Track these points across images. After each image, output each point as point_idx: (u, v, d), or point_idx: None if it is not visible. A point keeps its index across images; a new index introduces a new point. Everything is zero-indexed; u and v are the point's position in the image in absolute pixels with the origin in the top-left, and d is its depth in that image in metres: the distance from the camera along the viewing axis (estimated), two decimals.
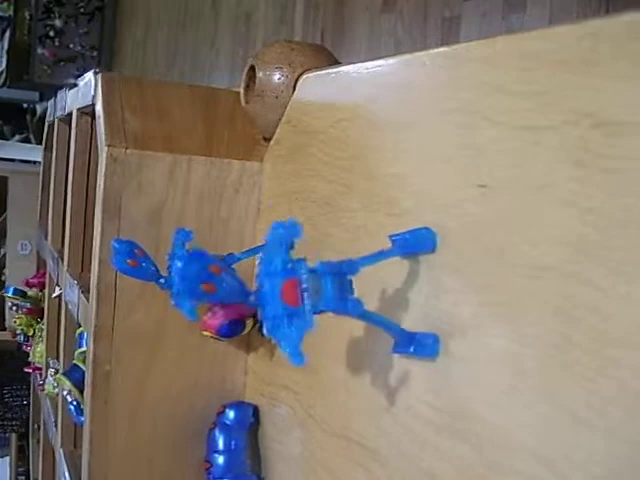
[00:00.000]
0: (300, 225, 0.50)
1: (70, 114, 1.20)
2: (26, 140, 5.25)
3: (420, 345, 0.58)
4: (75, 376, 1.04)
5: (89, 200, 1.18)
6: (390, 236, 0.59)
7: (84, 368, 0.99)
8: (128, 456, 0.93)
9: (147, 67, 4.32)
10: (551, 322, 0.47)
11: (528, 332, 0.49)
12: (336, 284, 0.52)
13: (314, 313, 0.50)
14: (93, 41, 5.10)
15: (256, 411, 0.92)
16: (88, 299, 0.94)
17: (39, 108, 5.42)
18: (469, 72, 0.57)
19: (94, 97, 0.95)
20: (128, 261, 0.68)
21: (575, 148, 0.46)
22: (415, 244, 0.59)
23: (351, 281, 0.54)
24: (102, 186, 0.86)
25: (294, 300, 0.50)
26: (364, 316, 0.56)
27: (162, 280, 0.69)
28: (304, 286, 0.50)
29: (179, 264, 0.50)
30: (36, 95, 5.54)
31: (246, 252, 0.82)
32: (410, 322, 0.61)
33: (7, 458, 3.18)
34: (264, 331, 0.51)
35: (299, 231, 0.50)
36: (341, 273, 0.53)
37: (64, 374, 1.08)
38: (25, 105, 5.62)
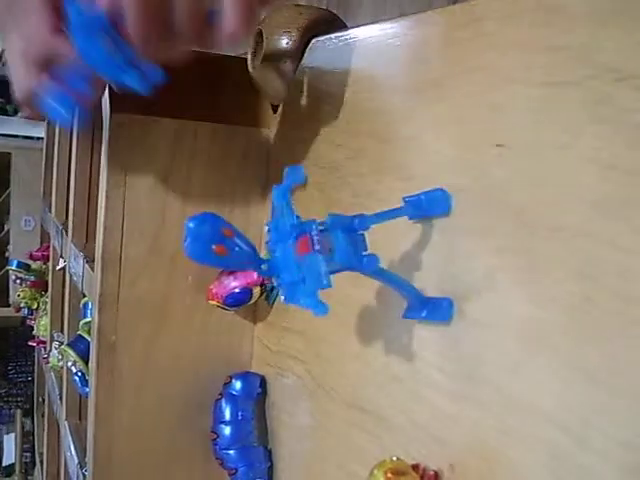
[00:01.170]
0: (301, 168, 0.50)
1: None
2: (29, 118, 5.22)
3: (433, 309, 0.57)
4: (80, 347, 1.03)
5: (94, 169, 1.16)
6: (404, 197, 0.57)
7: (89, 339, 0.98)
8: (134, 427, 0.92)
9: None
10: (571, 283, 0.46)
11: (546, 294, 0.48)
12: (348, 239, 0.51)
13: (330, 273, 0.48)
14: None
15: (263, 381, 0.91)
16: (93, 269, 0.93)
17: None
18: (487, 29, 0.55)
19: None
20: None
21: (598, 103, 0.45)
22: (429, 206, 0.57)
23: (364, 236, 0.52)
24: (106, 153, 0.84)
25: (307, 249, 0.48)
26: (379, 274, 0.54)
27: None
28: (316, 240, 0.49)
29: (191, 224, 0.48)
30: None
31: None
32: (424, 286, 0.59)
33: (12, 434, 3.19)
34: (280, 298, 0.50)
35: (301, 174, 0.49)
36: (352, 229, 0.52)
37: (69, 345, 1.07)
38: None
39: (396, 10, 2.00)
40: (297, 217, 0.50)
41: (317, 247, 0.48)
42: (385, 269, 0.55)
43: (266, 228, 0.50)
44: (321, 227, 0.49)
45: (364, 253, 0.51)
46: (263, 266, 0.50)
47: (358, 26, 0.74)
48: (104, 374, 0.90)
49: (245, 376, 0.92)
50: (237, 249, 0.49)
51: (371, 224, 0.53)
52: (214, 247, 0.48)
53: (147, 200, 0.86)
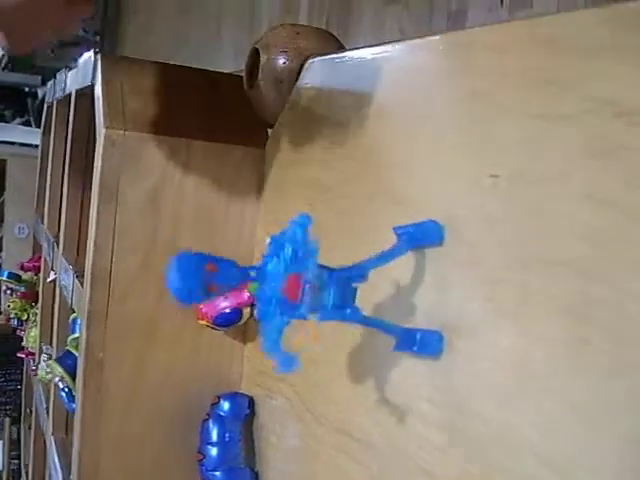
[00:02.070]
0: (317, 247, 0.50)
1: (69, 95, 1.18)
2: (27, 124, 5.22)
3: (423, 344, 0.56)
4: (67, 362, 1.02)
5: (87, 184, 1.15)
6: (394, 228, 0.56)
7: (77, 354, 0.97)
8: (120, 445, 0.91)
9: (151, 52, 4.28)
10: (563, 320, 0.45)
11: (539, 330, 0.47)
12: (339, 293, 0.51)
13: (311, 312, 0.49)
14: (96, 26, 5.06)
15: (252, 402, 0.90)
16: (83, 284, 0.92)
17: (40, 92, 5.39)
18: (483, 58, 0.54)
19: (93, 78, 0.93)
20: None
21: (594, 138, 0.44)
22: (421, 237, 0.57)
23: (355, 289, 0.53)
24: (99, 168, 0.84)
25: (294, 294, 0.49)
26: (362, 322, 0.55)
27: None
28: (307, 288, 0.49)
29: (173, 276, 0.48)
30: (38, 79, 5.50)
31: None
32: (415, 317, 0.59)
33: (0, 442, 3.17)
34: (255, 314, 0.51)
35: (316, 250, 0.49)
36: (347, 280, 0.52)
37: (56, 360, 1.06)
38: (27, 89, 5.59)
39: (396, 28, 2.00)
40: (302, 249, 0.50)
41: (306, 296, 0.49)
42: (368, 317, 0.55)
43: (268, 240, 0.49)
44: (318, 272, 0.50)
45: (350, 305, 0.52)
46: (251, 272, 0.50)
47: (355, 48, 0.74)
48: (91, 391, 0.89)
49: (233, 397, 0.91)
50: (223, 276, 0.49)
51: (369, 271, 0.53)
52: (207, 288, 0.48)
53: (138, 217, 0.86)
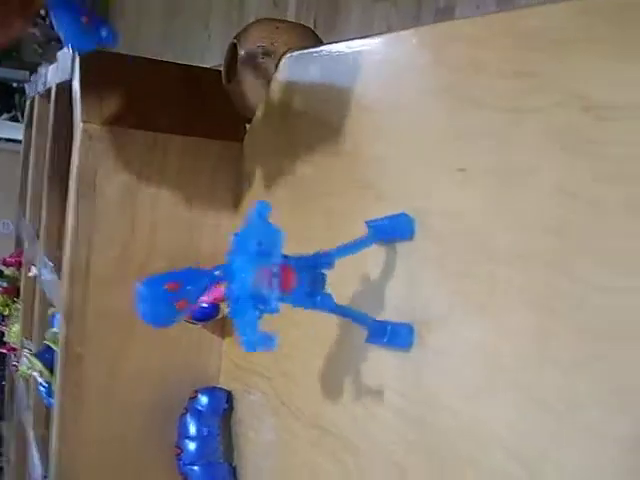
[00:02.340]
0: (281, 232, 0.49)
1: (49, 90, 1.18)
2: (14, 119, 5.19)
3: (394, 336, 0.56)
4: (46, 357, 1.02)
5: (67, 179, 1.15)
6: (366, 221, 0.57)
7: (56, 349, 0.97)
8: (99, 440, 0.91)
9: (139, 49, 4.26)
10: (530, 313, 0.45)
11: (506, 324, 0.47)
12: (309, 280, 0.51)
13: (281, 301, 0.49)
14: None
15: (230, 397, 0.90)
16: (61, 278, 0.91)
17: (28, 88, 5.36)
18: (456, 51, 0.54)
19: (72, 72, 0.92)
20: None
21: (563, 132, 0.44)
22: (392, 230, 0.57)
23: (324, 276, 0.53)
24: (77, 163, 0.83)
25: (266, 286, 0.49)
26: (334, 310, 0.55)
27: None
28: (275, 274, 0.49)
29: (140, 307, 0.48)
30: (26, 74, 5.47)
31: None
32: (385, 311, 0.59)
33: None
34: (227, 313, 0.50)
35: (280, 236, 0.49)
36: (315, 267, 0.52)
37: (35, 355, 1.06)
38: (14, 84, 5.56)
39: (384, 26, 2.00)
40: (264, 242, 0.49)
41: (275, 286, 0.49)
42: (340, 305, 0.55)
43: (232, 238, 0.49)
44: (284, 261, 0.50)
45: (320, 292, 0.52)
46: (217, 272, 0.50)
47: (333, 42, 0.74)
48: (70, 386, 0.89)
49: (212, 391, 0.91)
50: (190, 287, 0.49)
51: (336, 259, 0.53)
52: (176, 307, 0.48)
53: (116, 211, 0.85)
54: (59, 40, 0.70)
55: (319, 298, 0.52)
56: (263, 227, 0.48)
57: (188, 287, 0.48)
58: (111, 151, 0.83)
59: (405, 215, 0.56)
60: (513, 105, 0.48)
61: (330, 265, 0.53)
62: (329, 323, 0.67)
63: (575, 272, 0.42)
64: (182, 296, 0.47)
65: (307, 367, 0.72)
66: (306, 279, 0.51)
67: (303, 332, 0.72)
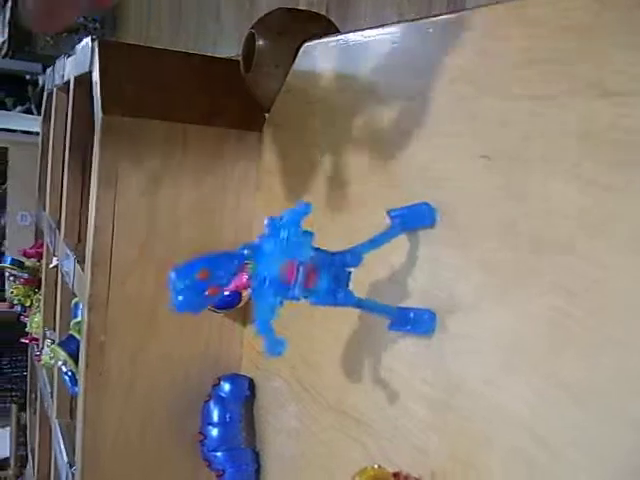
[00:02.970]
0: (312, 234, 0.50)
1: (68, 82, 1.19)
2: (28, 112, 5.21)
3: (417, 323, 0.57)
4: (70, 347, 1.03)
5: (87, 170, 1.16)
6: (388, 211, 0.57)
7: (79, 338, 0.98)
8: (122, 427, 0.93)
9: (151, 40, 4.27)
10: (551, 298, 0.46)
11: (527, 308, 0.48)
12: (333, 277, 0.52)
13: (304, 297, 0.50)
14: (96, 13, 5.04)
15: (252, 384, 0.92)
16: (84, 269, 0.93)
17: (41, 80, 5.37)
18: (471, 40, 0.55)
19: (91, 64, 0.93)
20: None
21: (581, 119, 0.45)
22: (414, 219, 0.57)
23: (349, 274, 0.53)
24: (98, 154, 0.84)
25: (289, 276, 0.50)
26: (356, 305, 0.55)
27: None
28: (302, 269, 0.50)
29: (173, 297, 0.49)
30: (39, 67, 5.49)
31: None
32: (408, 298, 0.60)
33: (8, 428, 3.19)
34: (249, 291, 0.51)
35: (311, 237, 0.50)
36: (342, 265, 0.53)
37: (59, 344, 1.07)
38: (27, 77, 5.58)
39: (395, 11, 1.99)
40: (299, 232, 0.50)
41: (299, 280, 0.50)
42: (361, 299, 0.55)
43: (266, 221, 0.50)
44: (311, 260, 0.50)
45: (342, 289, 0.53)
46: (246, 250, 0.50)
47: (351, 31, 0.74)
48: (93, 374, 0.90)
49: (234, 378, 0.92)
50: (222, 273, 0.49)
51: (363, 255, 0.54)
52: (206, 293, 0.48)
53: (138, 201, 0.86)
54: (71, 32, 0.69)
55: (342, 295, 0.52)
56: (298, 224, 0.49)
57: (219, 272, 0.47)
58: (132, 142, 0.84)
59: (426, 204, 0.57)
60: (530, 93, 0.49)
61: (359, 262, 0.54)
62: (351, 310, 0.68)
63: (595, 257, 0.43)
64: (214, 282, 0.47)
65: (329, 354, 0.73)
66: (330, 278, 0.52)
67: (325, 319, 0.73)
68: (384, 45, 0.67)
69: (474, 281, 0.53)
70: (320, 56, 0.79)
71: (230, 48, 2.91)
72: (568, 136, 0.45)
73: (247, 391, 0.91)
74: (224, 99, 0.91)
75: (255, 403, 0.91)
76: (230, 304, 0.86)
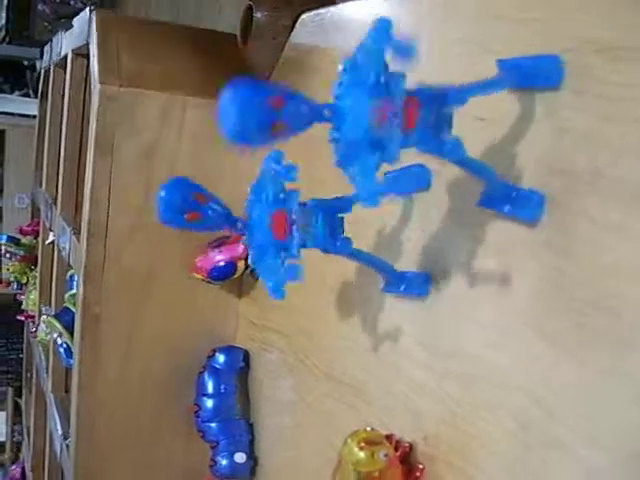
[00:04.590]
0: (295, 167, 0.49)
1: (65, 57, 1.18)
2: (26, 96, 5.20)
3: (411, 284, 0.57)
4: (65, 319, 1.03)
5: (84, 143, 1.16)
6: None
7: (75, 310, 0.98)
8: (117, 399, 0.93)
9: (151, 16, 4.25)
10: (543, 255, 0.46)
11: (519, 267, 0.48)
12: (327, 222, 0.51)
13: (302, 247, 0.49)
14: None
15: (247, 355, 0.92)
16: (79, 240, 0.93)
17: (39, 65, 5.36)
18: (469, 1, 0.55)
19: (89, 36, 0.93)
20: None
21: (576, 75, 0.45)
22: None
23: (342, 219, 0.53)
24: (94, 124, 0.84)
25: (282, 232, 0.49)
26: (353, 255, 0.55)
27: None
28: (293, 219, 0.49)
29: (162, 193, 0.49)
30: (36, 52, 5.47)
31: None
32: (402, 260, 0.60)
33: (3, 413, 3.18)
34: (250, 262, 0.51)
35: (294, 175, 0.49)
36: (332, 211, 0.52)
37: (54, 316, 1.08)
38: (25, 62, 5.56)
39: None
40: (281, 189, 0.50)
41: (293, 228, 0.48)
42: (359, 250, 0.55)
43: (249, 189, 0.50)
44: (301, 203, 0.50)
45: (339, 236, 0.52)
46: (239, 224, 0.50)
47: (348, 1, 0.74)
48: (88, 346, 0.90)
49: (229, 349, 0.92)
50: (211, 212, 0.49)
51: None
52: (186, 216, 0.48)
53: (134, 172, 0.86)
54: (69, 17, 0.69)
55: (339, 243, 0.51)
56: (279, 169, 0.48)
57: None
58: (129, 112, 0.84)
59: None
60: (525, 51, 0.49)
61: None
62: (344, 277, 0.69)
63: (587, 212, 0.43)
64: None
65: (324, 322, 0.73)
66: (323, 221, 0.50)
67: (319, 288, 0.73)
68: (384, 12, 0.67)
69: (467, 241, 0.53)
70: (317, 27, 0.79)
71: (229, 27, 2.90)
72: (563, 93, 0.46)
73: (242, 362, 0.91)
74: (222, 71, 0.91)
75: (250, 374, 0.92)
76: (226, 275, 0.86)
